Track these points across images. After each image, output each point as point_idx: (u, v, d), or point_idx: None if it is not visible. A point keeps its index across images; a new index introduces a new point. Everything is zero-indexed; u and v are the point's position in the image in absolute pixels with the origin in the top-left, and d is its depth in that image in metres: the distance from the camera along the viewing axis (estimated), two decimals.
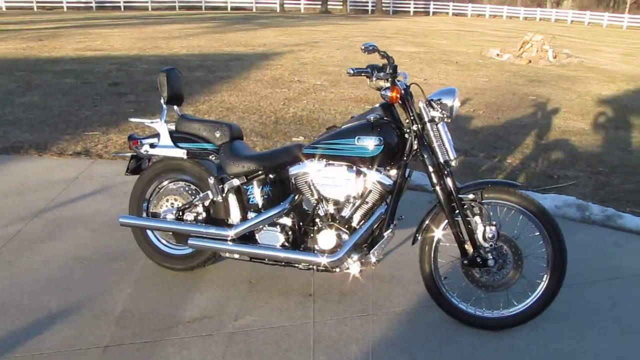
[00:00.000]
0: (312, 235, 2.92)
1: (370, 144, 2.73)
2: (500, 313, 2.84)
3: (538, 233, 2.76)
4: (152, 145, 3.12)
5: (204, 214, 3.09)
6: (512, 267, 2.75)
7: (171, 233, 3.11)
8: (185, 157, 3.06)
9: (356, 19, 34.08)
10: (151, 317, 2.81)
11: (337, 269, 2.85)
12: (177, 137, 3.09)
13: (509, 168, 5.67)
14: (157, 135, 3.13)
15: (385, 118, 2.80)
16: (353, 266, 2.82)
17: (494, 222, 2.71)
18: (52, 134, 6.02)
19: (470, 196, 2.76)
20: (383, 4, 43.21)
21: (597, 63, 15.17)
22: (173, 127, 3.14)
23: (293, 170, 2.91)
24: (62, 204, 4.16)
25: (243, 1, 40.27)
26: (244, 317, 2.85)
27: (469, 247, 2.77)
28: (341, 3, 43.70)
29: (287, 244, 2.94)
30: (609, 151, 6.53)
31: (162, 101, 3.12)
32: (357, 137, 2.75)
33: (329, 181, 2.80)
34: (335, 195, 2.82)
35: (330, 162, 2.83)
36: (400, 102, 2.78)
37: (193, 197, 3.11)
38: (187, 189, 3.15)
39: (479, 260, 2.74)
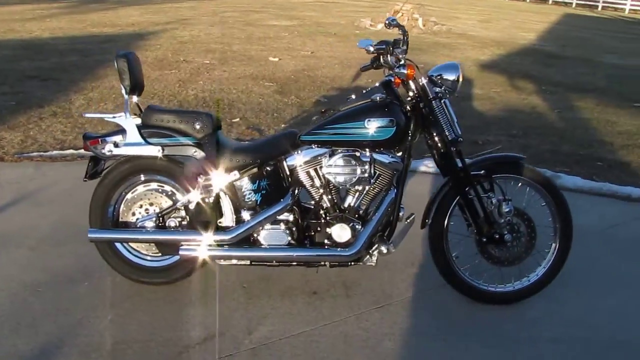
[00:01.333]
0: (319, 229, 2.67)
1: (381, 126, 2.53)
2: (512, 286, 2.82)
3: (544, 204, 2.77)
4: (116, 144, 2.65)
5: (188, 218, 2.71)
6: (526, 240, 2.74)
7: (154, 244, 2.70)
8: (160, 154, 2.64)
9: None
10: (152, 345, 2.41)
11: (353, 263, 2.65)
12: (146, 133, 2.66)
13: None
14: (121, 131, 2.67)
15: (388, 97, 2.61)
16: (372, 257, 2.63)
17: (509, 197, 2.67)
18: None
19: (482, 172, 2.69)
20: None
21: (463, 30, 16.01)
22: (138, 121, 2.69)
23: (292, 160, 2.64)
24: None
25: None
26: (257, 328, 2.55)
27: (483, 224, 2.70)
28: None
29: (293, 242, 2.67)
30: (511, 114, 6.88)
31: (123, 91, 2.66)
32: (366, 120, 2.54)
33: (337, 169, 2.56)
34: (343, 184, 2.59)
35: (335, 148, 2.60)
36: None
37: (172, 200, 2.72)
38: (161, 191, 2.75)
39: (496, 236, 2.69)
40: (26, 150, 4.75)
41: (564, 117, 6.95)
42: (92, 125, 5.41)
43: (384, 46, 2.57)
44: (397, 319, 2.66)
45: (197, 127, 2.64)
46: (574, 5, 31.16)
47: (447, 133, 2.63)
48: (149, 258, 2.82)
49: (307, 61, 9.79)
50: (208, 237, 2.60)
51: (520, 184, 2.75)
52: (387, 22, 2.61)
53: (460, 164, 2.66)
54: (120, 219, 2.76)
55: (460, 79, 2.65)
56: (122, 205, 2.76)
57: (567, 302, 2.86)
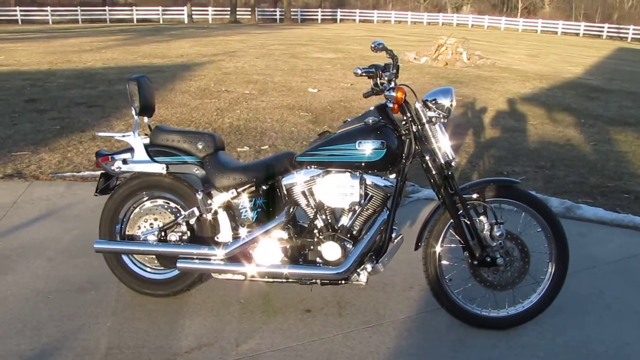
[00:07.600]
0: (312, 247, 2.75)
1: (372, 148, 2.61)
2: (506, 312, 2.81)
3: (540, 229, 2.76)
4: (125, 161, 2.83)
5: (189, 233, 2.84)
6: (520, 264, 2.73)
7: (155, 256, 2.84)
8: (164, 172, 2.80)
9: (266, 27, 33.95)
10: (144, 351, 2.53)
11: (343, 281, 2.71)
12: (153, 151, 2.84)
13: (459, 167, 5.75)
14: (129, 149, 2.85)
15: (382, 120, 2.69)
16: (361, 276, 2.68)
17: (501, 221, 2.68)
18: None
19: (474, 196, 2.71)
20: (291, 13, 43.42)
21: (508, 64, 15.94)
22: (147, 141, 2.88)
23: (287, 179, 2.74)
24: (6, 232, 3.72)
25: (149, 13, 38.91)
26: (246, 341, 2.63)
27: (476, 247, 2.72)
28: (249, 12, 43.43)
29: (286, 259, 2.75)
30: (543, 146, 6.80)
31: (133, 112, 2.86)
32: (357, 142, 2.62)
33: (329, 189, 2.64)
34: (335, 204, 2.67)
35: (328, 169, 2.69)
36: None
37: (175, 215, 2.86)
38: (166, 207, 2.90)
39: (488, 260, 2.69)
40: (61, 171, 5.04)
41: (598, 149, 6.81)
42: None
43: (373, 70, 2.66)
44: (384, 339, 2.69)
45: (200, 146, 2.79)
46: (629, 39, 30.47)
47: (439, 157, 2.68)
48: (151, 270, 2.96)
49: (346, 93, 9.97)
50: (204, 251, 2.72)
51: (515, 209, 2.75)
52: (373, 46, 2.69)
53: (454, 188, 2.69)
54: (127, 232, 2.92)
55: (454, 104, 2.70)
56: (129, 219, 2.92)
57: (563, 330, 2.81)
